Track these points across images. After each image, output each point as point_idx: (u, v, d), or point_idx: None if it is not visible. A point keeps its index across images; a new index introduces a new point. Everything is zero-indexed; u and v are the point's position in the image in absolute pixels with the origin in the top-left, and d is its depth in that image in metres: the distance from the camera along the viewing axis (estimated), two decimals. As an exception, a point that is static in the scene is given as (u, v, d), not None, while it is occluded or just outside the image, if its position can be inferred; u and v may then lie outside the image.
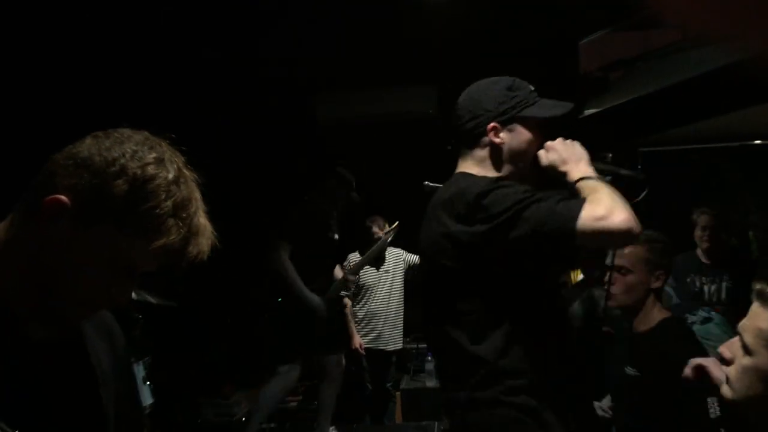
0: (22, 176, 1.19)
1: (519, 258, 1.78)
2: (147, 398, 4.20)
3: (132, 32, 4.73)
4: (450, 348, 1.88)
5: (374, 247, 5.11)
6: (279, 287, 4.47)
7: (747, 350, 1.50)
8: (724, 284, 3.86)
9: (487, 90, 2.15)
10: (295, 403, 5.76)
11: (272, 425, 5.44)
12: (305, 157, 6.30)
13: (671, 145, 6.18)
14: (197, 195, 1.19)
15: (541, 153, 1.99)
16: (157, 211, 1.10)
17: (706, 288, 3.88)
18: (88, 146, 1.13)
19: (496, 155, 1.98)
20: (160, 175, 1.12)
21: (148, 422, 4.17)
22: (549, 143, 2.00)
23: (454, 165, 2.13)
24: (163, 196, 1.11)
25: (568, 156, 1.99)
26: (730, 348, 1.56)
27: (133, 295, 4.11)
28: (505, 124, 2.00)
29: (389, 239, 5.10)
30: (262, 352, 5.93)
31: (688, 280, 3.97)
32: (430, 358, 5.57)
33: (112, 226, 1.09)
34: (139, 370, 4.19)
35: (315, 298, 4.41)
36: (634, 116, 5.48)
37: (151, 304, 4.21)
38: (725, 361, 1.56)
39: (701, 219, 3.98)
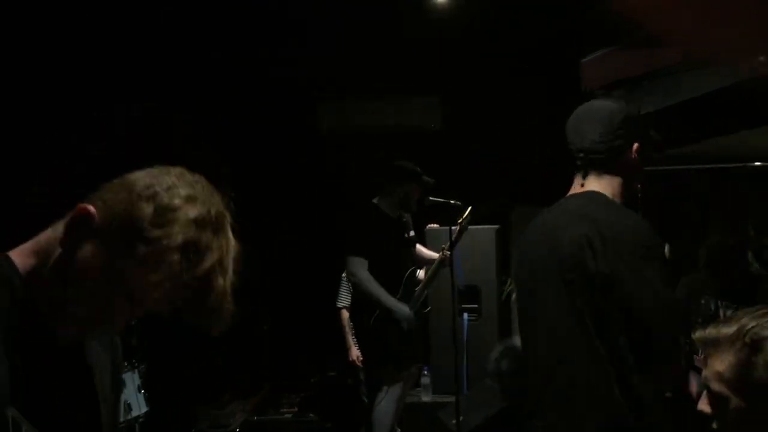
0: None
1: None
2: (142, 407, 4.18)
3: (138, 39, 4.77)
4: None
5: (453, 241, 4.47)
6: (366, 304, 4.24)
7: (720, 399, 1.50)
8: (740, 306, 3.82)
9: (615, 111, 2.08)
10: (290, 415, 5.74)
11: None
12: (308, 166, 6.31)
13: (672, 166, 6.20)
14: (224, 255, 1.15)
15: None
16: (164, 241, 1.08)
17: (721, 312, 3.83)
18: (141, 173, 1.15)
19: (629, 176, 2.09)
20: (184, 209, 1.10)
21: None
22: None
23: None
24: (176, 229, 1.08)
25: None
26: (705, 403, 1.55)
27: None
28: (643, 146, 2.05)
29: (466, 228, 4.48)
30: (259, 362, 5.92)
31: (702, 302, 3.93)
32: (426, 371, 5.55)
33: (123, 246, 1.08)
34: (135, 379, 4.18)
35: (403, 308, 4.19)
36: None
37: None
38: (709, 418, 1.55)
39: (713, 237, 3.96)
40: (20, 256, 1.13)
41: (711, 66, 4.07)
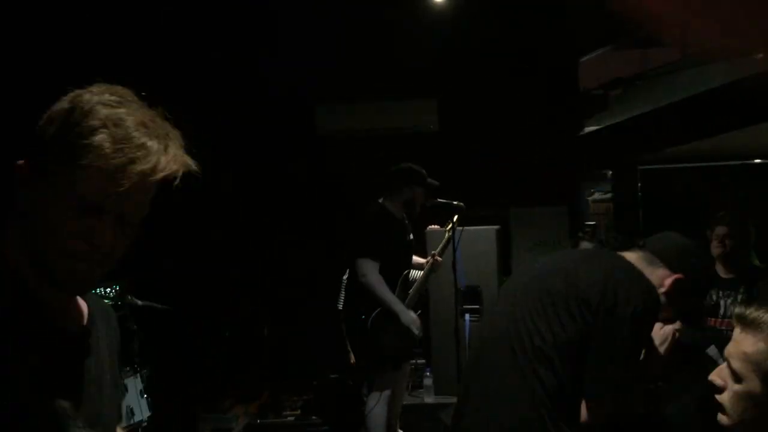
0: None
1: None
2: (144, 411, 4.18)
3: (137, 39, 4.77)
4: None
5: (441, 245, 4.60)
6: (364, 303, 4.22)
7: (736, 377, 1.50)
8: (740, 297, 3.82)
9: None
10: (292, 418, 5.74)
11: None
12: (305, 168, 6.31)
13: (670, 164, 6.21)
14: (151, 119, 1.14)
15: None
16: (84, 125, 1.09)
17: (722, 302, 3.85)
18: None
19: None
20: (93, 99, 1.12)
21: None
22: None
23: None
24: (92, 114, 1.09)
25: None
26: (720, 375, 1.55)
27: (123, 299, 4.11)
28: None
29: (450, 236, 4.53)
30: (261, 365, 5.91)
31: None
32: (428, 373, 5.55)
33: (56, 164, 1.09)
34: (137, 383, 4.17)
35: (410, 315, 4.19)
36: (634, 134, 5.51)
37: (138, 307, 4.17)
38: (717, 389, 1.55)
39: (717, 229, 3.93)
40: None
41: (710, 63, 4.07)
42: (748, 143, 5.50)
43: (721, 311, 3.83)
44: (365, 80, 5.98)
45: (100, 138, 1.08)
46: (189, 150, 1.19)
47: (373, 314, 4.20)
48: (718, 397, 1.54)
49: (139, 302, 4.18)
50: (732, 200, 5.85)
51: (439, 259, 4.43)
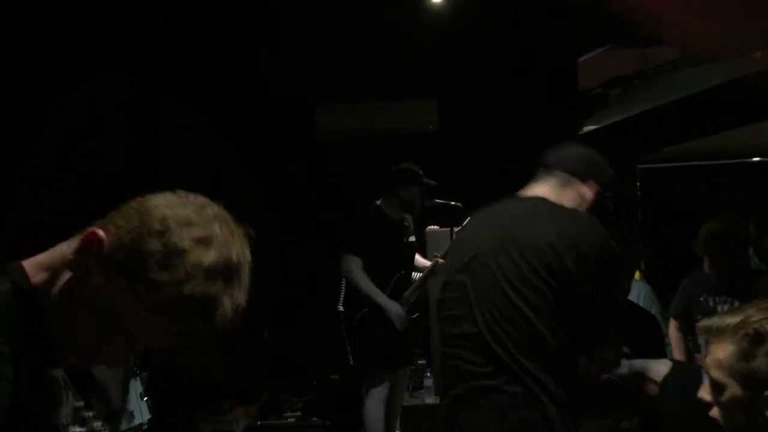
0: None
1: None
2: (144, 414, 4.18)
3: (137, 40, 4.77)
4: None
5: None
6: (357, 302, 4.27)
7: (719, 387, 1.53)
8: (736, 302, 3.79)
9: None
10: (293, 419, 5.73)
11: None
12: (305, 168, 6.31)
13: (670, 162, 6.21)
14: (234, 305, 1.07)
15: None
16: (167, 289, 1.00)
17: (719, 308, 3.81)
18: (160, 199, 1.08)
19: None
20: (195, 253, 1.02)
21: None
22: None
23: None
24: (182, 276, 1.01)
25: None
26: (707, 390, 1.58)
27: None
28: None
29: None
30: (262, 367, 5.91)
31: (701, 299, 3.91)
32: (429, 374, 5.55)
33: (126, 282, 1.02)
34: (137, 386, 4.17)
35: (395, 306, 4.21)
36: (633, 133, 5.51)
37: None
38: (710, 406, 1.58)
39: (710, 234, 3.87)
40: (33, 267, 1.09)
41: (709, 62, 4.08)
42: (747, 142, 5.51)
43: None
44: (365, 80, 5.98)
45: (178, 310, 1.01)
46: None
47: (363, 311, 4.23)
48: (711, 413, 1.57)
49: None
50: (732, 199, 5.85)
51: (441, 261, 4.42)
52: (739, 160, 6.20)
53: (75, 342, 1.07)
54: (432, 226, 5.44)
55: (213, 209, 1.09)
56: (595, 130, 5.91)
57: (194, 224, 1.04)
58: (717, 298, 3.81)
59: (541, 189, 2.15)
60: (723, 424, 1.55)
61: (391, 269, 4.36)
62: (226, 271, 1.04)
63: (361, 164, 6.00)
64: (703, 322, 1.61)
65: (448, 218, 4.51)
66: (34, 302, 1.07)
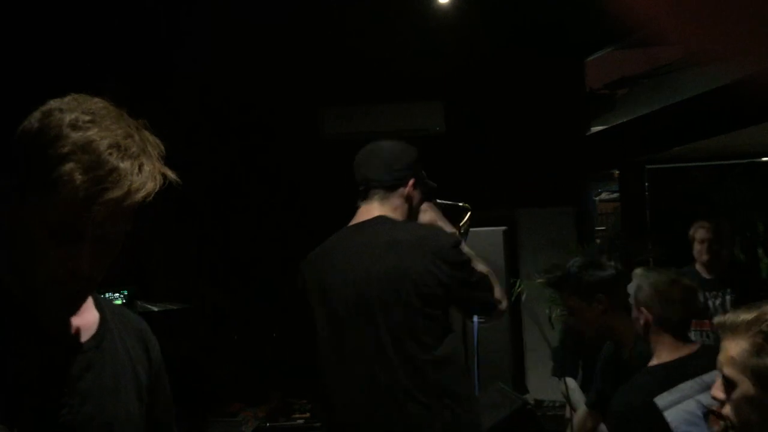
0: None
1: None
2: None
3: (138, 41, 4.79)
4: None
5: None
6: None
7: (731, 384, 1.51)
8: (728, 297, 3.83)
9: (403, 152, 2.47)
10: (302, 421, 5.74)
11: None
12: (310, 171, 6.31)
13: (678, 163, 6.18)
14: (126, 136, 1.08)
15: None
16: (52, 152, 1.03)
17: (710, 303, 3.85)
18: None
19: (407, 206, 2.42)
20: (64, 119, 1.05)
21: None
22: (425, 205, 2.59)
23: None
24: (60, 139, 1.03)
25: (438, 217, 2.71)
26: (719, 387, 1.56)
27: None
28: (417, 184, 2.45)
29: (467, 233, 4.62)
30: (269, 368, 5.92)
31: None
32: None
33: (28, 189, 1.05)
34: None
35: None
36: (641, 133, 5.49)
37: (152, 313, 4.16)
38: (721, 403, 1.56)
39: (698, 233, 3.97)
40: None
41: (717, 61, 4.06)
42: (756, 141, 5.47)
43: (712, 313, 3.82)
44: (371, 83, 5.98)
45: (69, 168, 1.02)
46: (172, 159, 1.14)
47: None
48: (723, 411, 1.55)
49: (155, 308, 4.18)
50: (740, 198, 5.82)
51: None
52: (749, 160, 6.16)
53: (46, 278, 1.08)
54: None
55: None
56: (603, 130, 5.89)
57: (55, 106, 1.10)
58: (707, 294, 3.85)
59: (377, 205, 2.36)
60: (734, 422, 1.53)
61: None
62: (89, 119, 1.07)
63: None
64: (717, 318, 1.60)
65: (454, 219, 4.48)
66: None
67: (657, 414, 2.15)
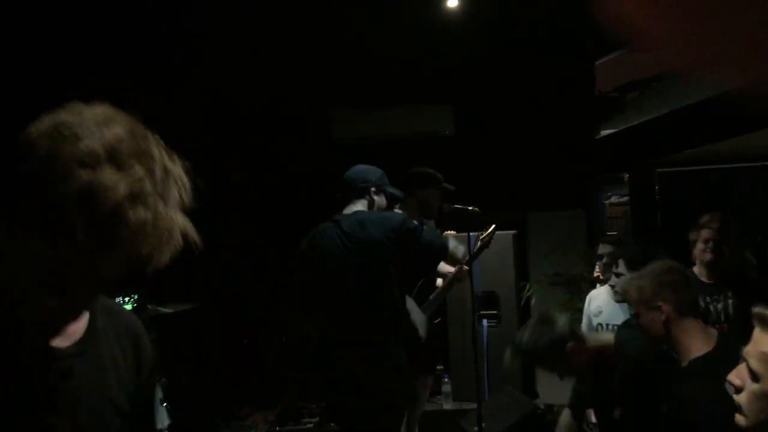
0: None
1: None
2: (164, 420, 4.20)
3: (139, 42, 4.81)
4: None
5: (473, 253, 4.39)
6: None
7: (754, 376, 1.49)
8: (729, 301, 3.77)
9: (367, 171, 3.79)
10: (311, 424, 5.74)
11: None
12: (321, 175, 6.33)
13: (689, 166, 6.16)
14: (139, 186, 0.93)
15: None
16: (58, 191, 0.89)
17: (711, 307, 3.78)
18: None
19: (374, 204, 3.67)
20: (75, 152, 0.89)
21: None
22: None
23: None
24: (68, 181, 0.89)
25: None
26: (739, 375, 1.54)
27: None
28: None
29: (484, 245, 4.39)
30: (279, 372, 5.92)
31: None
32: (447, 379, 5.54)
33: (21, 217, 0.93)
34: (157, 392, 4.20)
35: (418, 313, 4.13)
36: (651, 136, 5.47)
37: (165, 314, 4.18)
38: (736, 389, 1.55)
39: (703, 233, 3.84)
40: None
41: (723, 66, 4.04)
42: (766, 144, 5.45)
43: (713, 317, 3.74)
44: (381, 86, 5.99)
45: (71, 219, 0.89)
46: (182, 161, 1.03)
47: None
48: (735, 397, 1.54)
49: (166, 310, 4.20)
50: (751, 202, 5.79)
51: (467, 268, 4.33)
52: (760, 163, 6.13)
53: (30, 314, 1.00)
54: (447, 232, 5.43)
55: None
56: (613, 134, 5.88)
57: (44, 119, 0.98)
58: (708, 298, 3.77)
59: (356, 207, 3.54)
60: (745, 411, 1.51)
61: (414, 275, 4.33)
62: (108, 153, 0.93)
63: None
64: (759, 309, 1.55)
65: (466, 224, 4.47)
66: None
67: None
